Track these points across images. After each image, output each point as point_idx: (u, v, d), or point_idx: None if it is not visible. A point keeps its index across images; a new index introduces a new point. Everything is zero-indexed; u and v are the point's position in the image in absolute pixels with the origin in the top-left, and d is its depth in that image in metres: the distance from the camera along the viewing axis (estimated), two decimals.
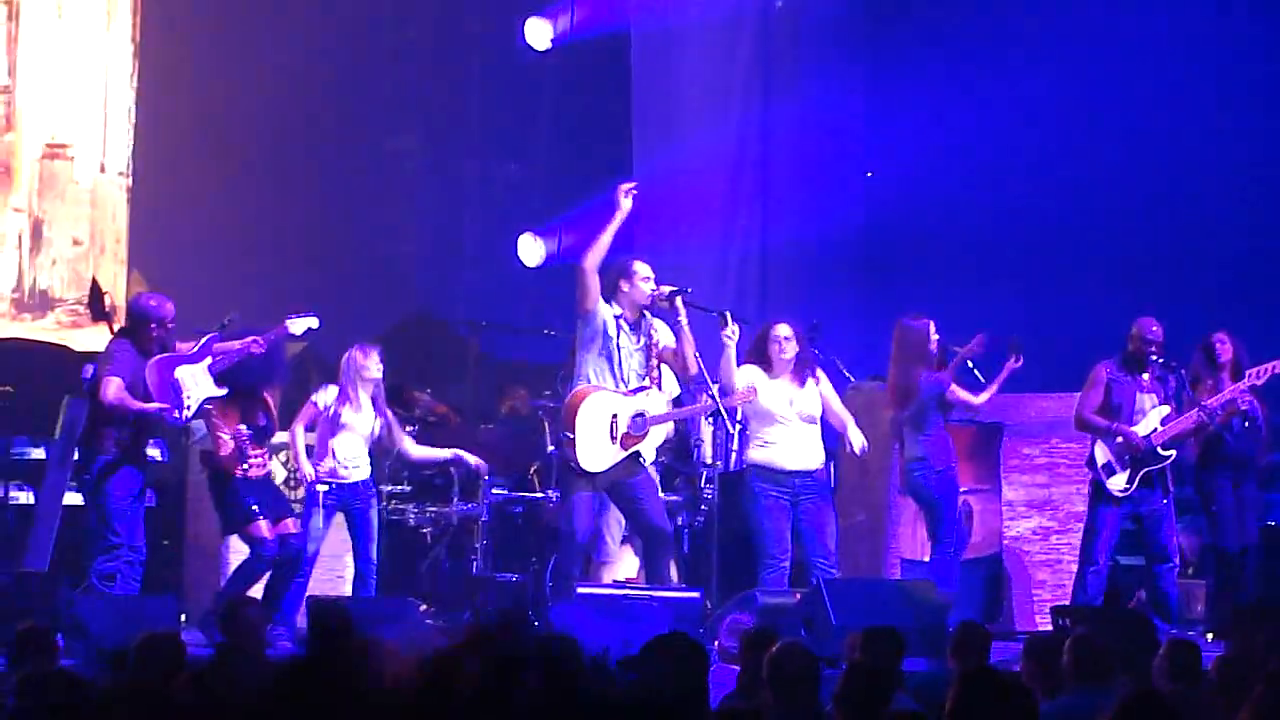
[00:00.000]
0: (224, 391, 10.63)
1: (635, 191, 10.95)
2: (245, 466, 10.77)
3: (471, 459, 11.86)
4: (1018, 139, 15.29)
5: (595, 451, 10.91)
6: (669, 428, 11.48)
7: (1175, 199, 15.02)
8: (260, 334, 10.69)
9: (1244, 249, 14.84)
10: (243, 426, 10.78)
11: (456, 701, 3.04)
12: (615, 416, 10.92)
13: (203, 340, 10.59)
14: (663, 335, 11.05)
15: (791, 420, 11.28)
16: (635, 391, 10.98)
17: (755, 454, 11.30)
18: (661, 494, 11.45)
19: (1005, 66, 15.38)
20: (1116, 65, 15.30)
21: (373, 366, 11.26)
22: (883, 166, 15.93)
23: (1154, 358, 11.71)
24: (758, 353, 11.37)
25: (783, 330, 11.38)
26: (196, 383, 10.54)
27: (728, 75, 16.12)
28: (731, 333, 11.08)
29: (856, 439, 11.35)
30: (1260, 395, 11.85)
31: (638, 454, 11.06)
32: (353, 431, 11.21)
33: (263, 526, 10.78)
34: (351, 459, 11.22)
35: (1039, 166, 15.33)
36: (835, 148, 15.93)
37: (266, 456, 11.01)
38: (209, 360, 10.59)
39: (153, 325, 10.58)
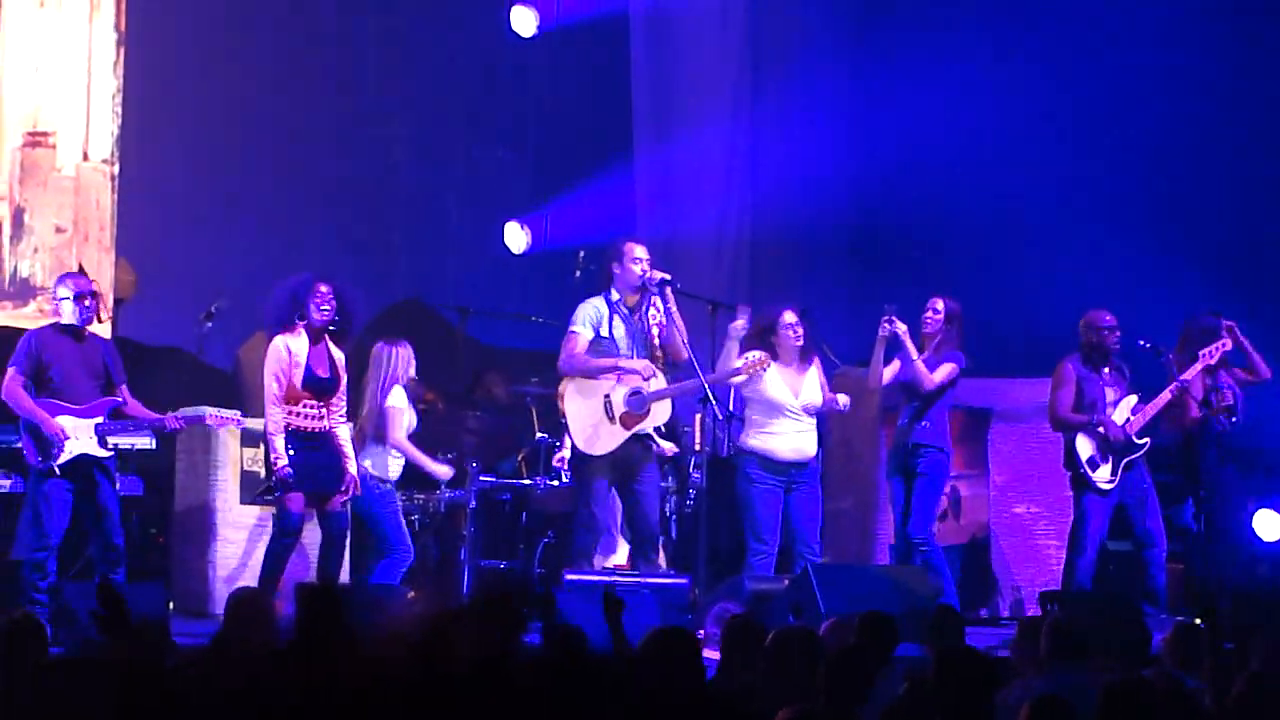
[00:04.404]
0: (108, 454, 10.46)
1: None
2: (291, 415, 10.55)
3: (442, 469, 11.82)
4: (1007, 124, 15.26)
5: (594, 434, 10.91)
6: (669, 405, 11.43)
7: (1162, 182, 15.00)
8: (178, 416, 10.64)
9: (1231, 233, 14.83)
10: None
11: (452, 673, 3.04)
12: (608, 397, 10.92)
13: (101, 402, 10.50)
14: (659, 315, 11.07)
15: (796, 412, 11.32)
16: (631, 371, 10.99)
17: (754, 441, 11.35)
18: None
19: (995, 52, 15.36)
20: (1104, 49, 15.28)
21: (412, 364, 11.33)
22: (872, 152, 15.89)
23: (1116, 346, 11.74)
24: (764, 340, 11.39)
25: (789, 317, 11.43)
26: (76, 436, 10.39)
27: (720, 60, 16.10)
28: (741, 326, 11.18)
29: (842, 398, 11.42)
30: (1240, 382, 11.89)
31: (649, 442, 11.06)
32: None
33: (295, 499, 10.56)
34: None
35: (1027, 152, 15.30)
36: (824, 132, 15.90)
37: (327, 412, 10.64)
38: (99, 419, 10.44)
39: (78, 301, 10.53)
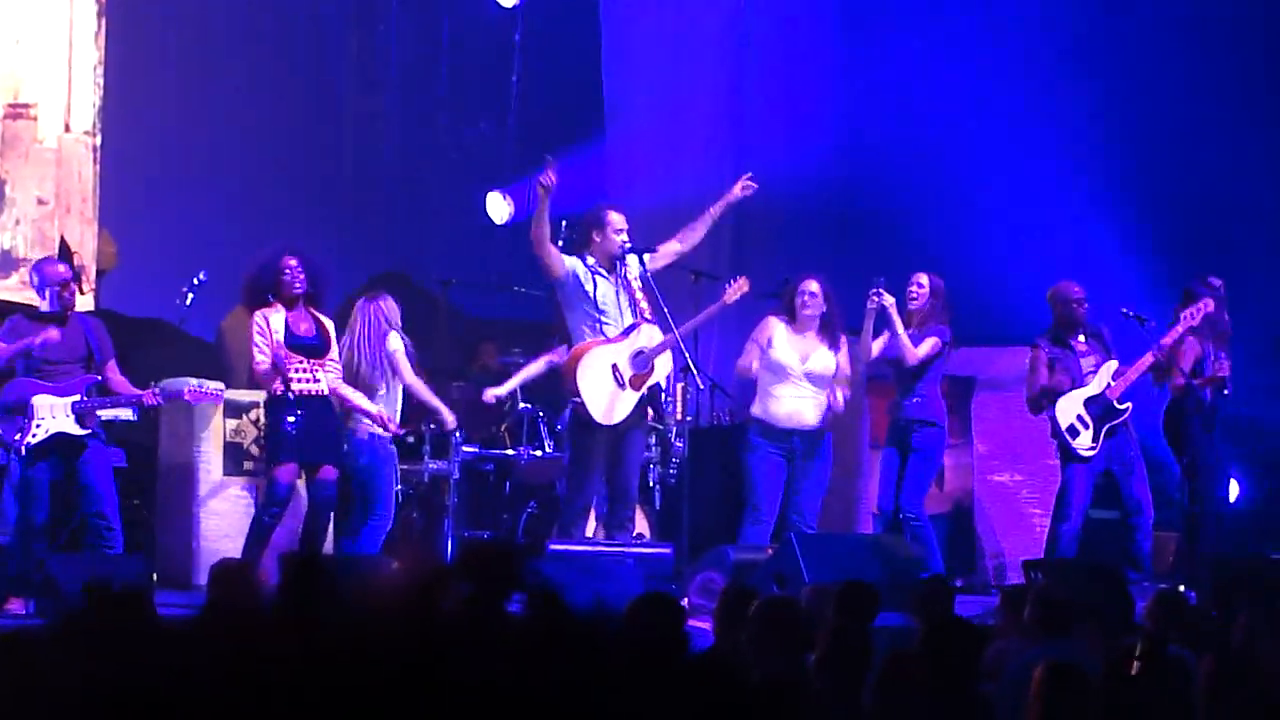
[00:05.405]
0: (86, 431, 10.29)
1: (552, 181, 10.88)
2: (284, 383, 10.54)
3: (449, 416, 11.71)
4: (996, 90, 15.24)
5: (608, 402, 10.90)
6: (670, 358, 11.42)
7: (1145, 151, 15.00)
8: (156, 392, 10.51)
9: (1210, 200, 14.83)
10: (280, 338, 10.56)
11: (437, 628, 3.03)
12: (615, 365, 10.93)
13: (78, 379, 10.35)
14: (633, 268, 11.08)
15: (799, 378, 11.35)
16: (626, 333, 10.99)
17: (756, 407, 11.42)
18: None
19: (986, 16, 15.33)
20: (1097, 17, 15.27)
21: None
22: (859, 120, 15.86)
23: (1084, 315, 11.73)
24: (786, 306, 11.46)
25: (811, 285, 11.46)
26: (54, 415, 10.23)
27: (705, 26, 16.06)
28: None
29: (839, 397, 11.40)
30: (1227, 352, 11.88)
31: (644, 410, 11.07)
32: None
33: (287, 470, 10.59)
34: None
35: (1016, 120, 15.29)
36: (811, 101, 15.87)
37: (322, 372, 10.69)
38: (76, 397, 10.27)
39: (55, 288, 10.45)
